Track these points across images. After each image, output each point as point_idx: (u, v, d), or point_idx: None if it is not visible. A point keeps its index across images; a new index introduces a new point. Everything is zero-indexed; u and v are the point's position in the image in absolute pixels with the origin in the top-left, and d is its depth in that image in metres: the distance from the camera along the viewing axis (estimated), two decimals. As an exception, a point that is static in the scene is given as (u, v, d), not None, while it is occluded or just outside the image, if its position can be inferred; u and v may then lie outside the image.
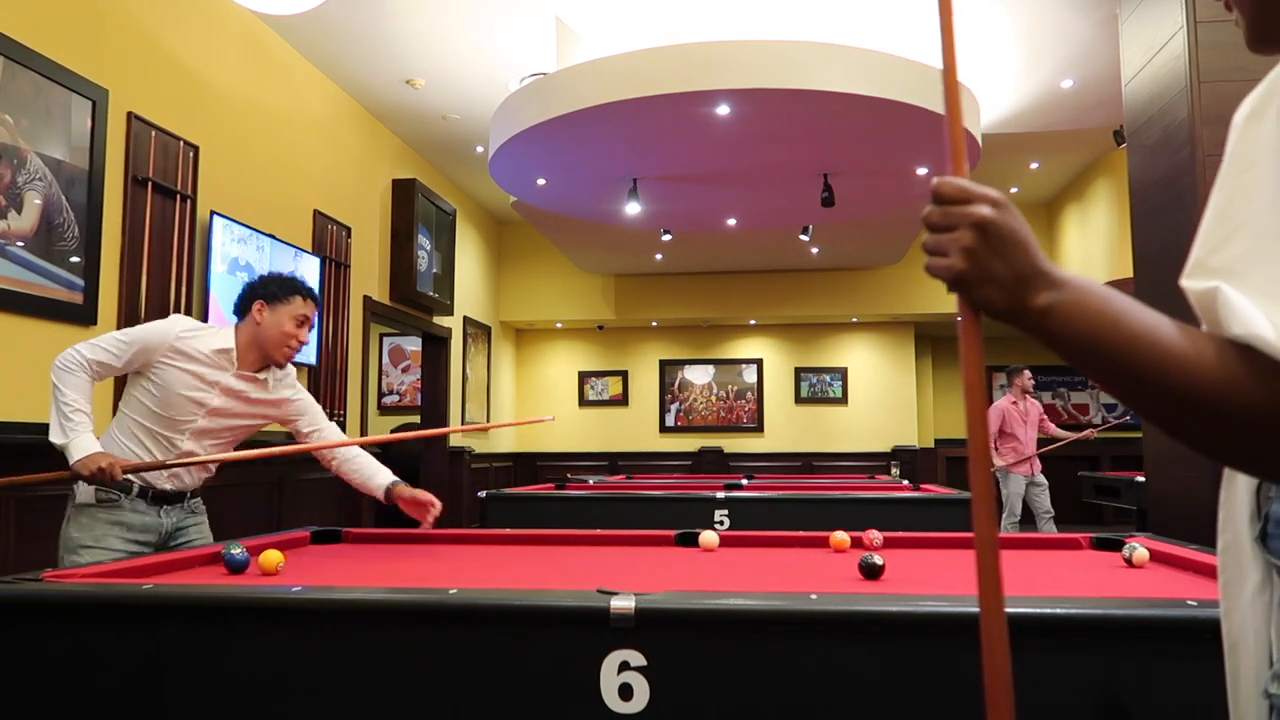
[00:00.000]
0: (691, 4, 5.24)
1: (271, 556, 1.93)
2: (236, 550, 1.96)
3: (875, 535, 2.34)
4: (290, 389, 2.65)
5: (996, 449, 7.10)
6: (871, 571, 1.86)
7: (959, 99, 0.80)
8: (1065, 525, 7.11)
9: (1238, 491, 0.75)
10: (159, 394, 2.41)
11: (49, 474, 2.33)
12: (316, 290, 2.53)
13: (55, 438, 2.28)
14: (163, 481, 2.46)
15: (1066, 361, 0.70)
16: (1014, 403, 7.18)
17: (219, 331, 2.49)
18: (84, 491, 2.38)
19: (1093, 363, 0.66)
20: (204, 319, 4.67)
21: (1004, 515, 7.00)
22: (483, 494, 4.14)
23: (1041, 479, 7.20)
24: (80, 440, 2.26)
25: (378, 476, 2.63)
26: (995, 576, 0.73)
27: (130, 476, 2.38)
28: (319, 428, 2.67)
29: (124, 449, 2.42)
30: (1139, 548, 2.12)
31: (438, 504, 2.50)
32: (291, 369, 2.67)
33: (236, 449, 2.63)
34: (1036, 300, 0.69)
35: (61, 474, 2.29)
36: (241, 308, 2.53)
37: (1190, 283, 0.64)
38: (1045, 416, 7.31)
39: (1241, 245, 0.61)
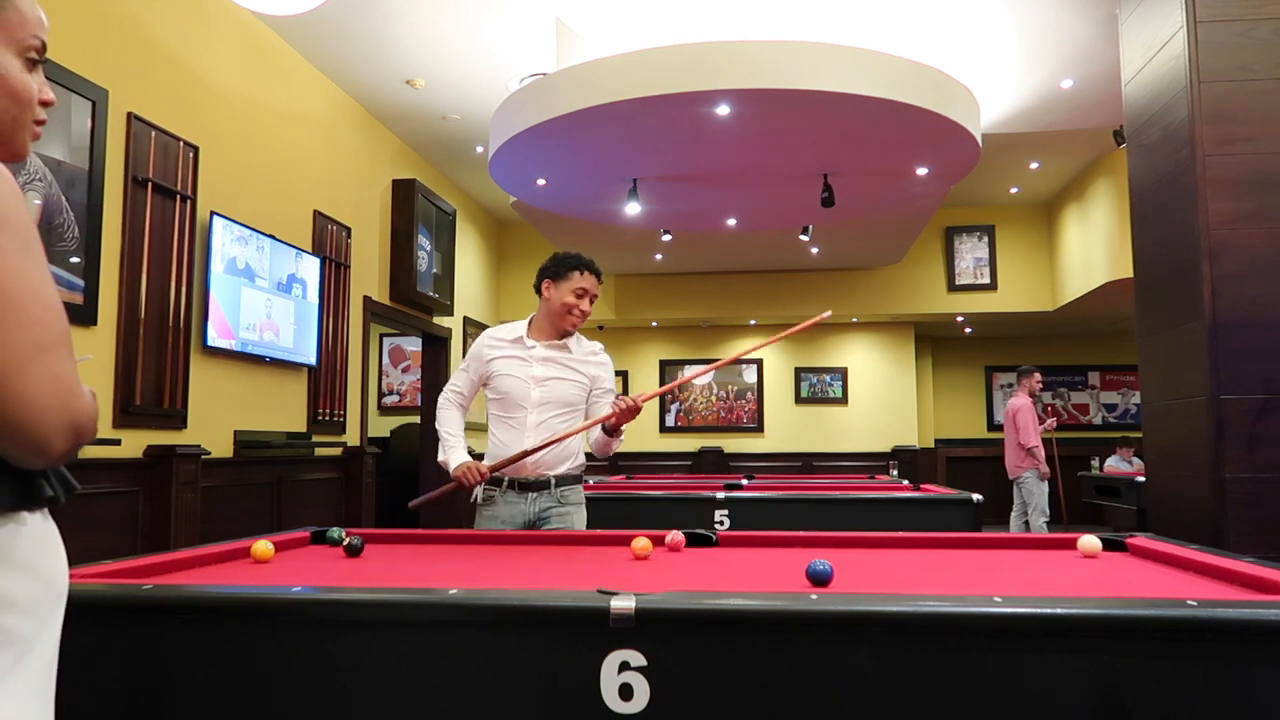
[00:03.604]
0: (691, 4, 5.24)
1: (262, 547, 2.11)
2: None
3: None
4: (600, 367, 2.96)
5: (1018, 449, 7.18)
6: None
7: None
8: (1065, 525, 7.13)
9: None
10: (497, 384, 2.88)
11: (449, 486, 2.83)
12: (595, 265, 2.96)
13: (440, 459, 2.86)
14: (524, 472, 2.83)
15: None
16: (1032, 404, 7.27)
17: (517, 322, 2.96)
18: (478, 493, 2.87)
19: None
20: (204, 319, 4.67)
21: (1034, 514, 7.06)
22: None
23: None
24: (452, 456, 2.83)
25: (597, 432, 2.88)
26: None
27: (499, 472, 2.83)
28: (595, 401, 2.96)
29: (496, 442, 2.89)
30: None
31: (626, 403, 2.71)
32: (606, 357, 3.00)
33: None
34: None
35: (452, 486, 2.81)
36: (537, 288, 2.93)
37: None
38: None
39: None
